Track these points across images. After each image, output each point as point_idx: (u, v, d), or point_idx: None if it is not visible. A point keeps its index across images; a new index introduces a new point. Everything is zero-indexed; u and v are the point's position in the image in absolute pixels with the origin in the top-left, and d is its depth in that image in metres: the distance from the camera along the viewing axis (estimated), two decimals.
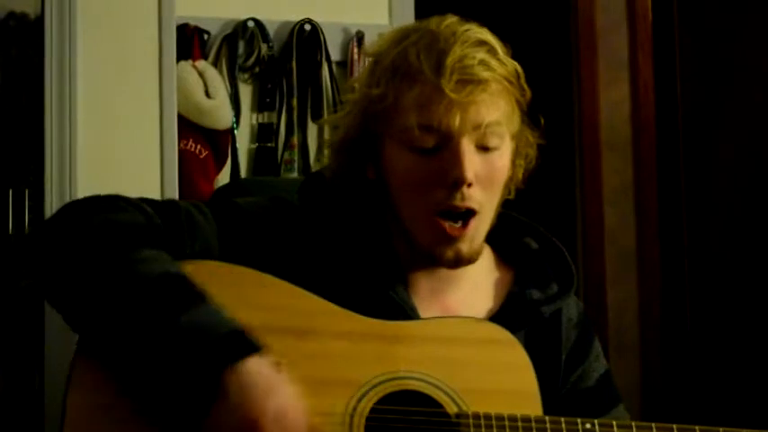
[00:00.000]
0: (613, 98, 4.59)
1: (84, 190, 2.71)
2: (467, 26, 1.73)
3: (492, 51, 1.71)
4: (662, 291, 4.59)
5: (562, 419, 1.66)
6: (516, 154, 1.80)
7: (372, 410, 1.61)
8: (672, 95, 4.61)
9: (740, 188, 4.39)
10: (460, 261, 1.75)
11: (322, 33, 3.41)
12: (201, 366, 1.48)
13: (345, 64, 3.46)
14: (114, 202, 1.66)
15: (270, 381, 1.50)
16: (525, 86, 1.77)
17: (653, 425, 1.69)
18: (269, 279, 1.69)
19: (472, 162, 1.69)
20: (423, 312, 1.77)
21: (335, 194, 1.83)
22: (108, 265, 1.55)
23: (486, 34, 1.73)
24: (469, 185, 1.69)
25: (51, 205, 2.79)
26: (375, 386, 1.64)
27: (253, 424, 1.46)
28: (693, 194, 4.57)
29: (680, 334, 4.54)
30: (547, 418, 1.66)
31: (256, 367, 1.49)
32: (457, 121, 1.67)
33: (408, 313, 1.75)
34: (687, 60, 4.59)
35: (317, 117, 3.39)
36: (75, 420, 1.53)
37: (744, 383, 4.27)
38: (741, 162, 4.39)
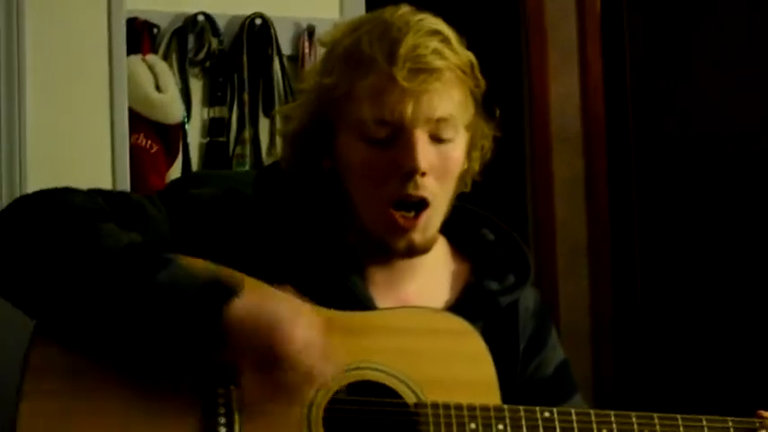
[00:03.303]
0: (563, 90, 4.60)
1: (34, 186, 2.64)
2: (420, 16, 1.73)
3: (446, 41, 1.71)
4: (613, 283, 4.61)
5: (521, 408, 1.67)
6: (471, 146, 1.80)
7: (330, 401, 1.61)
8: (621, 86, 4.63)
9: (690, 180, 4.42)
10: (413, 251, 1.75)
11: (273, 27, 3.40)
12: (197, 313, 1.50)
13: (296, 58, 3.45)
14: (65, 192, 1.65)
15: (271, 301, 1.54)
16: (480, 77, 1.77)
17: (611, 413, 1.70)
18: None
19: (425, 152, 1.69)
20: (380, 303, 1.76)
21: (290, 185, 1.82)
22: (71, 243, 1.54)
23: (440, 24, 1.74)
24: (423, 174, 1.69)
25: (1, 202, 2.76)
26: (333, 377, 1.63)
27: (275, 332, 1.50)
28: (644, 186, 4.59)
29: (631, 326, 4.57)
30: (506, 406, 1.67)
31: (252, 298, 1.52)
32: (409, 110, 1.67)
33: (365, 304, 1.74)
34: (636, 51, 4.61)
35: (268, 111, 3.38)
36: (31, 405, 1.52)
37: (695, 373, 4.30)
38: (691, 153, 4.42)
